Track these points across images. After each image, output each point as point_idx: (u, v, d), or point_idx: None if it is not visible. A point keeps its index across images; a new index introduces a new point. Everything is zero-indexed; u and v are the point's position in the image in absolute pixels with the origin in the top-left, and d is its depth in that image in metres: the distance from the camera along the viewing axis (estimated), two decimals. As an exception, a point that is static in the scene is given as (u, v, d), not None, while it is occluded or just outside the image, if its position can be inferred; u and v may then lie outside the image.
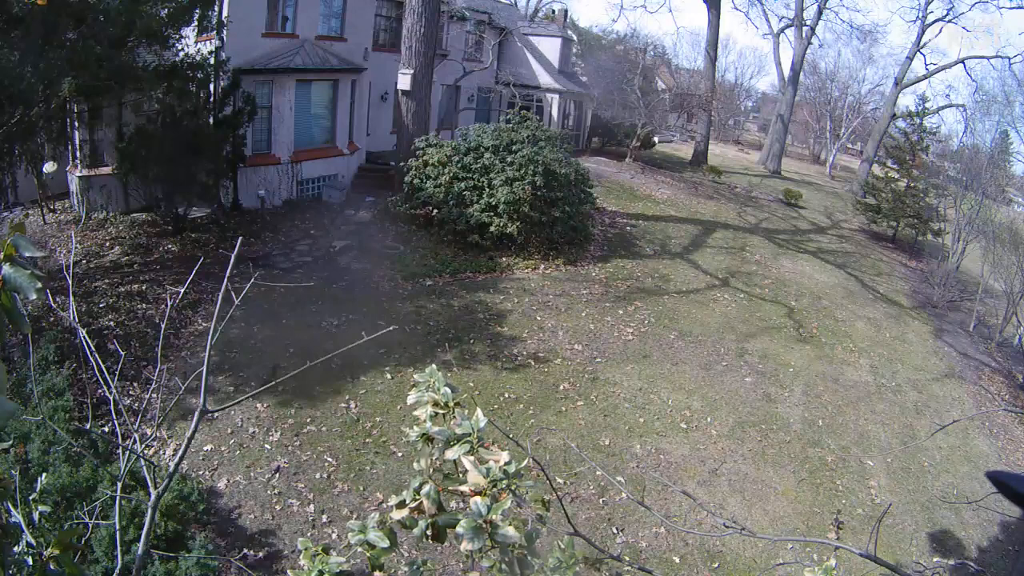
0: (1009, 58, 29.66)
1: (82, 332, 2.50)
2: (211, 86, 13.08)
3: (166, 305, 9.66)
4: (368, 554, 1.65)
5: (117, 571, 2.19)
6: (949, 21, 30.38)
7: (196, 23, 12.02)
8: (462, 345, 10.33)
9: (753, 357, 11.58)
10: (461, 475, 1.57)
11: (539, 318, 11.61)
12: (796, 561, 6.76)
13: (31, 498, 2.08)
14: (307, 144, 15.64)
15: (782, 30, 34.37)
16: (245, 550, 6.20)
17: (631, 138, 25.58)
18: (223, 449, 7.48)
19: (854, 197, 26.49)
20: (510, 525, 1.46)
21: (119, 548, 2.23)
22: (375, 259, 12.92)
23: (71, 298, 3.08)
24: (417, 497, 1.53)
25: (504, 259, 13.69)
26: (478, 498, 1.47)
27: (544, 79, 25.10)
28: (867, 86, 40.90)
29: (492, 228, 13.59)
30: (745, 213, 21.61)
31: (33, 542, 1.89)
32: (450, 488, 1.57)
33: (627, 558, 6.72)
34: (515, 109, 16.11)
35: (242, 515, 6.68)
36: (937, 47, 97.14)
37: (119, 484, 2.35)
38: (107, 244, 11.92)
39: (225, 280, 2.12)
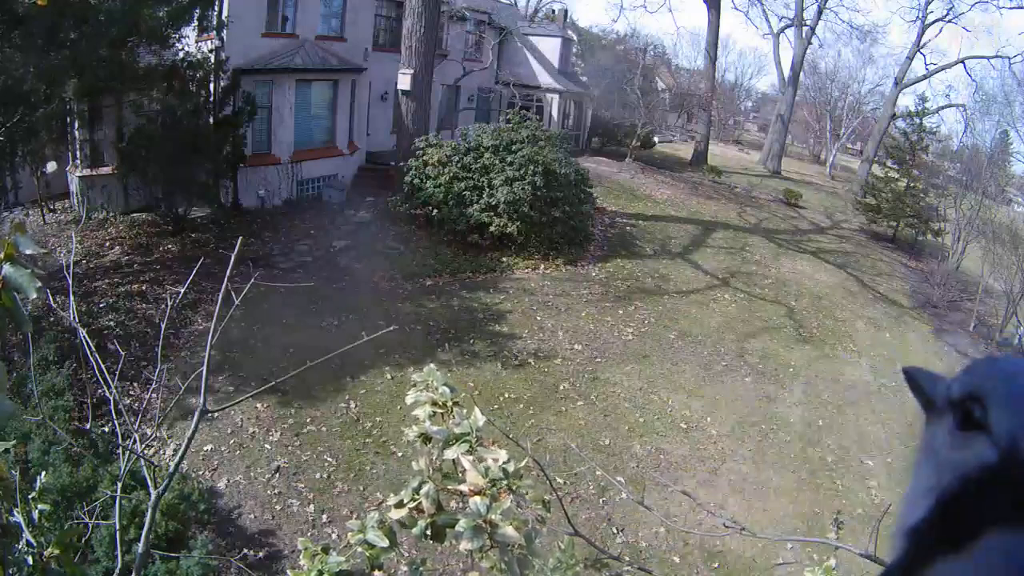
0: (1009, 58, 29.52)
1: (82, 332, 2.50)
2: (211, 86, 13.07)
3: (166, 305, 9.65)
4: (368, 554, 1.65)
5: (117, 571, 2.19)
6: (949, 21, 30.39)
7: (196, 23, 12.03)
8: (462, 345, 10.33)
9: (753, 357, 11.58)
10: (460, 474, 1.57)
11: (539, 318, 11.60)
12: (796, 561, 6.75)
13: (31, 497, 2.08)
14: (307, 144, 15.62)
15: (782, 30, 34.31)
16: (245, 550, 6.20)
17: (631, 138, 25.54)
18: (223, 449, 7.48)
19: (854, 197, 26.44)
20: (510, 525, 1.46)
21: (119, 548, 2.24)
22: (375, 259, 12.92)
23: (71, 298, 3.07)
24: (416, 497, 1.53)
25: (504, 259, 13.68)
26: (477, 497, 1.47)
27: (544, 79, 25.08)
28: (867, 86, 40.85)
29: (492, 228, 13.59)
30: (745, 213, 21.60)
31: (33, 541, 1.89)
32: (449, 488, 1.57)
33: (627, 558, 6.72)
34: (515, 109, 16.12)
35: (242, 515, 6.69)
36: (937, 47, 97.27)
37: (119, 484, 2.35)
38: (107, 244, 11.92)
39: (225, 280, 2.12)
